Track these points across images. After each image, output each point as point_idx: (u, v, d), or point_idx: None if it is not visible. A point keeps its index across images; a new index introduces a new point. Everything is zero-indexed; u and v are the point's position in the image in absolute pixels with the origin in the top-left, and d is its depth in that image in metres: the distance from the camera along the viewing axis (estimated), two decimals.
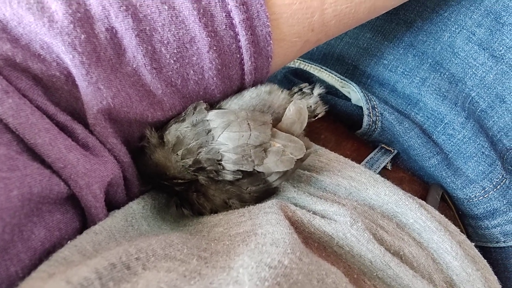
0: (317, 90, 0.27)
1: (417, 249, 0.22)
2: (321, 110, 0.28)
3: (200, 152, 0.21)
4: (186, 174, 0.22)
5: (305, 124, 0.24)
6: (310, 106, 0.26)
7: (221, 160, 0.21)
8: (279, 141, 0.22)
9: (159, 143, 0.22)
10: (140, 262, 0.16)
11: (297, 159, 0.23)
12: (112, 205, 0.22)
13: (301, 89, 0.27)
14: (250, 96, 0.24)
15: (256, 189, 0.23)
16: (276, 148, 0.22)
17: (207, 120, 0.21)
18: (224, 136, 0.21)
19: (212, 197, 0.23)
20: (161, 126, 0.23)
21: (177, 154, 0.21)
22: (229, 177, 0.21)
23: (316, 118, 0.28)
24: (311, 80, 0.37)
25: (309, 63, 0.37)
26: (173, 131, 0.22)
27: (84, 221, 0.20)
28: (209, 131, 0.21)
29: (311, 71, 0.37)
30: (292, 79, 0.37)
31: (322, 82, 0.36)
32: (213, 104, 0.24)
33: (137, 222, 0.21)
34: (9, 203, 0.15)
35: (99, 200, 0.20)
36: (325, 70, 0.36)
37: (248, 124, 0.21)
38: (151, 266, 0.16)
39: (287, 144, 0.22)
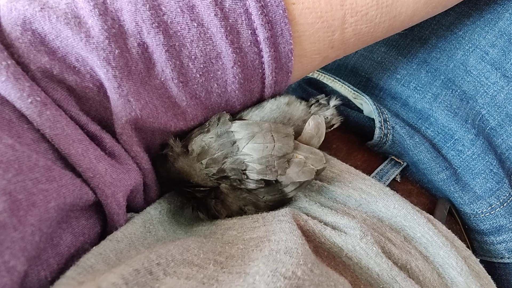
0: (333, 102, 0.28)
1: (424, 263, 0.22)
2: (336, 121, 0.28)
3: (225, 162, 0.22)
4: (209, 181, 0.23)
5: (322, 138, 0.25)
6: (327, 117, 0.27)
7: (245, 170, 0.22)
8: (301, 153, 0.23)
9: (182, 152, 0.23)
10: (161, 267, 0.16)
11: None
12: (130, 208, 0.23)
13: (317, 101, 0.28)
14: (270, 108, 0.25)
15: (272, 198, 0.24)
16: (298, 159, 0.23)
17: (232, 132, 0.22)
18: (249, 147, 0.22)
19: (230, 204, 0.24)
20: (182, 135, 0.24)
21: (201, 163, 0.22)
22: (252, 185, 0.22)
23: (332, 128, 0.29)
24: (324, 90, 0.38)
25: (323, 73, 0.38)
26: (198, 141, 0.23)
27: (104, 225, 0.21)
28: (234, 142, 0.22)
29: (325, 81, 0.38)
30: (306, 88, 0.38)
31: (335, 93, 0.37)
32: (233, 114, 0.25)
33: (154, 227, 0.22)
34: (47, 214, 0.16)
35: (121, 207, 0.20)
36: (339, 80, 0.37)
37: (272, 135, 0.22)
38: (171, 272, 0.16)
39: (308, 155, 0.23)
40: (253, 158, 0.21)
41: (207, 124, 0.23)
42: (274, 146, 0.22)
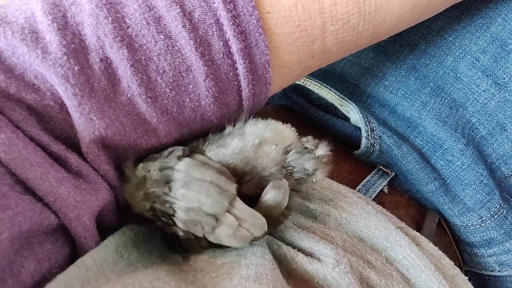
0: (321, 150, 0.22)
1: (404, 286, 0.22)
2: (321, 175, 0.22)
3: (156, 200, 0.19)
4: (148, 215, 0.20)
5: (285, 204, 0.20)
6: (307, 169, 0.22)
7: (173, 215, 0.19)
8: (237, 214, 0.19)
9: (130, 176, 0.21)
10: None
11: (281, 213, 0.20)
12: (103, 226, 0.22)
13: (302, 145, 0.22)
14: (233, 150, 0.21)
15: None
16: (231, 221, 0.19)
17: (173, 169, 0.20)
18: (181, 192, 0.19)
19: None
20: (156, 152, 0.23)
21: (140, 193, 0.20)
22: (181, 233, 0.20)
23: (314, 180, 0.23)
24: (310, 97, 0.37)
25: (309, 79, 0.37)
26: (140, 170, 0.20)
27: (74, 246, 0.20)
28: (169, 181, 0.19)
29: (311, 87, 0.36)
30: (291, 96, 0.37)
31: (322, 99, 0.36)
32: (204, 134, 0.23)
33: (127, 251, 0.21)
34: (0, 245, 0.15)
35: (89, 230, 0.19)
36: (325, 87, 0.36)
37: (207, 189, 0.19)
38: None
39: (245, 218, 0.19)
40: (182, 206, 0.19)
41: (160, 153, 0.21)
42: (206, 201, 0.19)
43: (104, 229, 0.22)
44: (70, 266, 0.18)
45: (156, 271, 0.18)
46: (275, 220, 0.21)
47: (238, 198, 0.20)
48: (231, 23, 0.20)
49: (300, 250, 0.21)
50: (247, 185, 0.20)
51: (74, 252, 0.20)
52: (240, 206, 0.20)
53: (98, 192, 0.20)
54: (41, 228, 0.18)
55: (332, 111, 0.36)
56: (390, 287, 0.20)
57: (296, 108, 0.37)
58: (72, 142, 0.20)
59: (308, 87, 0.36)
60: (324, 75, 0.37)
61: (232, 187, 0.20)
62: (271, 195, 0.20)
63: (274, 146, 0.21)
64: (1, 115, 0.17)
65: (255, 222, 0.19)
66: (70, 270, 0.18)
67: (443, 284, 0.21)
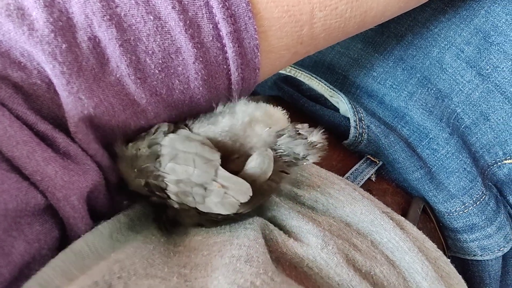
0: (315, 137, 0.22)
1: (389, 267, 0.22)
2: (312, 159, 0.22)
3: (149, 175, 0.20)
4: (143, 191, 0.21)
5: (269, 173, 0.21)
6: (297, 154, 0.22)
7: (166, 188, 0.20)
8: (222, 182, 0.20)
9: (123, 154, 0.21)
10: (121, 280, 0.16)
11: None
12: (95, 210, 0.22)
13: (297, 131, 0.22)
14: (222, 128, 0.22)
15: (224, 217, 0.21)
16: (218, 189, 0.20)
17: (161, 145, 0.20)
18: (169, 166, 0.20)
19: (184, 222, 0.22)
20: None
21: (134, 171, 0.21)
22: (176, 205, 0.21)
23: (305, 163, 0.23)
24: (301, 88, 0.37)
25: (300, 70, 0.37)
26: (130, 148, 0.21)
27: (64, 229, 0.20)
28: (158, 156, 0.20)
29: (301, 78, 0.37)
30: (282, 86, 0.37)
31: (312, 90, 0.37)
32: (195, 116, 0.24)
33: (123, 236, 0.21)
34: None
35: (77, 210, 0.19)
36: (315, 78, 0.36)
37: (194, 160, 0.20)
38: (132, 284, 0.16)
39: (229, 186, 0.20)
40: (172, 179, 0.20)
41: (147, 132, 0.22)
42: (194, 171, 0.20)
43: (98, 217, 0.22)
44: (65, 252, 0.18)
45: (151, 256, 0.18)
46: (261, 190, 0.21)
47: (221, 167, 0.20)
48: (220, 6, 0.20)
49: (290, 228, 0.21)
50: (234, 162, 0.21)
51: (64, 234, 0.20)
52: (224, 174, 0.20)
53: (87, 173, 0.20)
54: (28, 208, 0.18)
55: (322, 102, 0.36)
56: (374, 268, 0.21)
57: (286, 98, 0.37)
58: (59, 123, 0.20)
59: (299, 78, 0.37)
60: (314, 66, 0.37)
61: (216, 156, 0.20)
62: (255, 162, 0.20)
63: (268, 128, 0.21)
64: None
65: (240, 188, 0.20)
66: (65, 258, 0.18)
67: (426, 265, 0.22)
